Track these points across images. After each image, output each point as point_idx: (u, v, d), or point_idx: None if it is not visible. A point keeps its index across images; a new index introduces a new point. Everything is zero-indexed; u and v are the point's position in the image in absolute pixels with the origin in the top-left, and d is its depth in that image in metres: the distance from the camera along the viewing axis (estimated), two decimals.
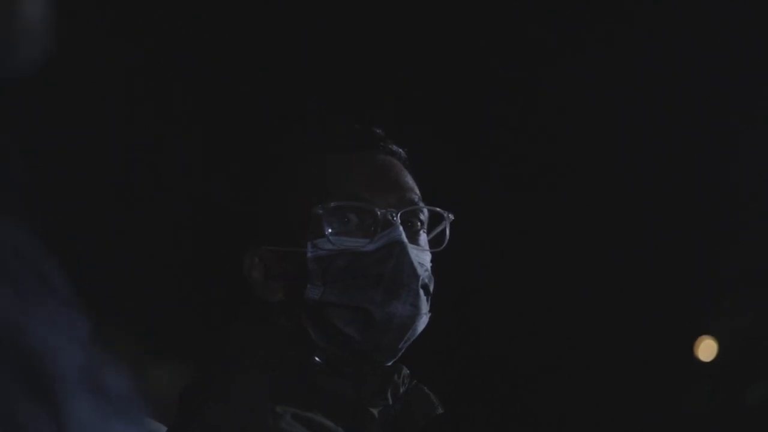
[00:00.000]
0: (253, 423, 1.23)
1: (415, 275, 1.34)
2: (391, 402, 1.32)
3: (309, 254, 1.34)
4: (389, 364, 1.36)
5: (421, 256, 1.37)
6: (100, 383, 0.46)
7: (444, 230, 1.42)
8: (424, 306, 1.36)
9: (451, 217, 1.42)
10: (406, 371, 1.36)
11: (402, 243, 1.34)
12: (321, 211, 1.34)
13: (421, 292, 1.35)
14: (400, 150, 1.43)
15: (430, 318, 1.37)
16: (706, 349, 5.16)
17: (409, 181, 1.41)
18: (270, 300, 1.38)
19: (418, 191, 1.40)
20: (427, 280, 1.36)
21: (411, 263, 1.34)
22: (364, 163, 1.39)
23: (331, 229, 1.34)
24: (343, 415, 1.29)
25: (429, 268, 1.38)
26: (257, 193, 1.46)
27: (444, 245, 1.41)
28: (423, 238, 1.39)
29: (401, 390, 1.34)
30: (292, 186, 1.40)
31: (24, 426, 0.41)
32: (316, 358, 1.33)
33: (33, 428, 0.41)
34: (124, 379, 0.48)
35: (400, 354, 1.37)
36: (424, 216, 1.40)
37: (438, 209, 1.41)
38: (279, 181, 1.43)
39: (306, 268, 1.35)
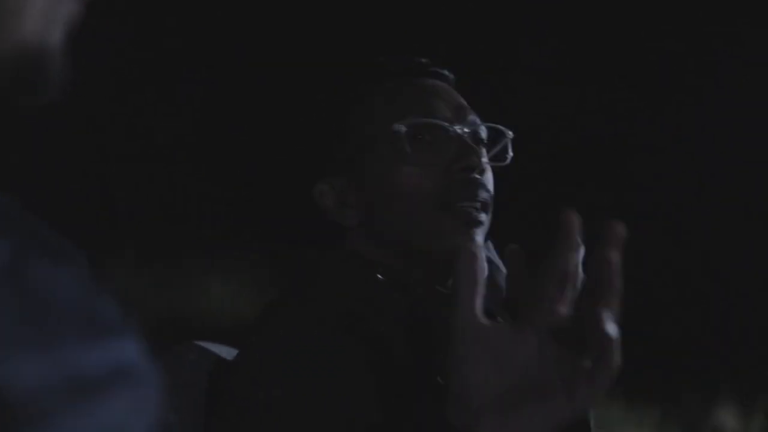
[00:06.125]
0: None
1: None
2: None
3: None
4: None
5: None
6: (92, 313, 0.48)
7: (505, 147, 1.41)
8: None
9: (511, 134, 1.41)
10: None
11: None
12: (402, 130, 1.34)
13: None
14: (450, 74, 1.44)
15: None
16: None
17: (464, 101, 1.41)
18: (346, 225, 1.37)
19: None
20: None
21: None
22: (426, 87, 1.39)
23: (411, 148, 1.34)
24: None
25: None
26: (327, 122, 1.42)
27: (507, 161, 1.40)
28: (484, 154, 1.38)
29: None
30: (359, 110, 1.39)
31: (15, 348, 0.43)
32: (379, 276, 1.32)
33: (23, 351, 0.43)
34: (114, 307, 0.49)
35: None
36: (484, 134, 1.40)
37: (499, 126, 1.41)
38: (345, 107, 1.40)
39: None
